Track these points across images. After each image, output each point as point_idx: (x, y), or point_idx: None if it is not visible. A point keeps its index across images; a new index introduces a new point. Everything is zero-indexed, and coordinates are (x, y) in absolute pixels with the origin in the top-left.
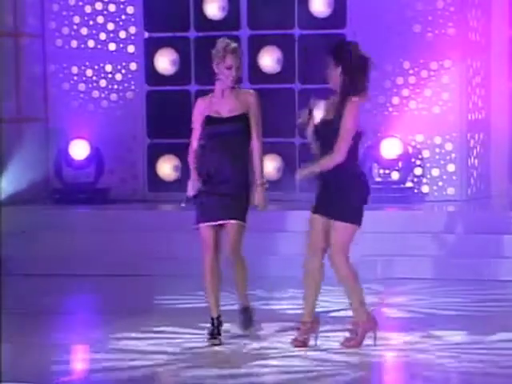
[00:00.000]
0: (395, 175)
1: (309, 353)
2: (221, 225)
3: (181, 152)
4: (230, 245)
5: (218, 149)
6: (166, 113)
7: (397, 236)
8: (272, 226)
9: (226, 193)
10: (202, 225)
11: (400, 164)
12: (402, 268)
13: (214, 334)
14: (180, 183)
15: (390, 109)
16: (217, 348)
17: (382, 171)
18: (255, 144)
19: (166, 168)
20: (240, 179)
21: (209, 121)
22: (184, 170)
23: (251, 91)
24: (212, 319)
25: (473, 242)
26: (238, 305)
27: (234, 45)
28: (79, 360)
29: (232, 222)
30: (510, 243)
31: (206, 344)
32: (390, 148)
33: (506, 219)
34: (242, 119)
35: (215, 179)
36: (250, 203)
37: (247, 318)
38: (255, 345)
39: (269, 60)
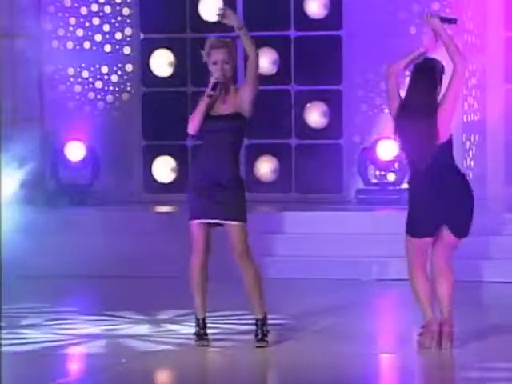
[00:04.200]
0: (391, 177)
1: None
2: (215, 224)
3: (177, 153)
4: (235, 248)
5: (210, 147)
6: (162, 114)
7: (393, 237)
8: (268, 227)
9: (221, 192)
10: (193, 222)
11: (396, 165)
12: (398, 270)
13: (201, 334)
14: (176, 184)
15: (386, 110)
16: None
17: (378, 172)
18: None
19: (162, 169)
20: (233, 178)
21: (205, 118)
22: (180, 172)
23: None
24: (197, 320)
25: (468, 243)
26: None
27: (220, 40)
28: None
29: (233, 223)
30: (505, 245)
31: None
32: (387, 149)
33: (501, 221)
34: (234, 118)
35: (208, 178)
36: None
37: (261, 330)
38: None
39: (265, 61)
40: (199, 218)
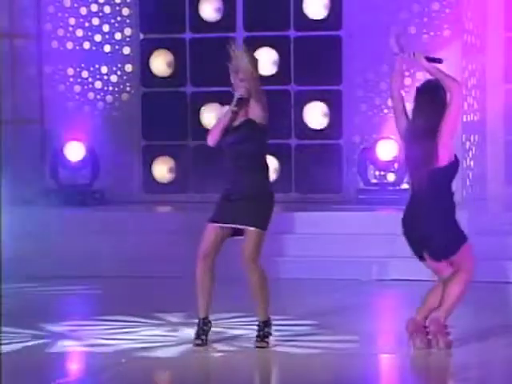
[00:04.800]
0: (391, 177)
1: None
2: (231, 233)
3: (176, 153)
4: (244, 252)
5: (230, 159)
6: (161, 114)
7: (393, 237)
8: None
9: (241, 198)
10: (210, 224)
11: (396, 165)
12: (398, 270)
13: (199, 334)
14: (176, 185)
15: (386, 110)
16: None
17: (377, 173)
18: None
19: (162, 169)
20: (248, 186)
21: (225, 132)
22: (180, 172)
23: None
24: (198, 319)
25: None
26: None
27: (246, 59)
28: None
29: (250, 229)
30: (505, 245)
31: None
32: (386, 149)
33: (501, 221)
34: (244, 126)
35: (227, 187)
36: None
37: (262, 332)
38: None
39: (264, 61)
40: (216, 222)
